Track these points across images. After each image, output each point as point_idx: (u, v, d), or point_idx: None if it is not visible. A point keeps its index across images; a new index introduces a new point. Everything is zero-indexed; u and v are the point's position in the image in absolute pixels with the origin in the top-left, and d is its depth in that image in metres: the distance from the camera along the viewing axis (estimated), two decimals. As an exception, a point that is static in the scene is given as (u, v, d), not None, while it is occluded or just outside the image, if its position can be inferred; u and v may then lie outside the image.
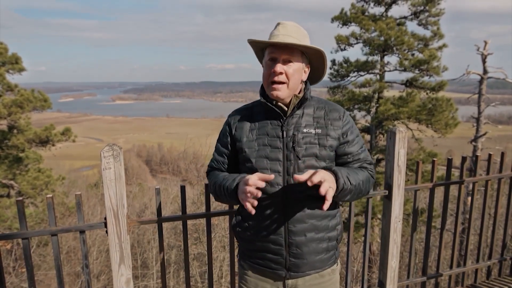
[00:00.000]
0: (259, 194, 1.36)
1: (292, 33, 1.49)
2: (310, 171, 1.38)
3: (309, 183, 1.33)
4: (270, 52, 1.51)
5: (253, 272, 1.68)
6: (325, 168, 1.47)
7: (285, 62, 1.49)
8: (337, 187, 1.41)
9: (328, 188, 1.33)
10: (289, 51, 1.49)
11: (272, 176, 1.39)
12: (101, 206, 13.47)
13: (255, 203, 1.38)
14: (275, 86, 1.50)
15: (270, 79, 1.51)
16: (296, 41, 1.47)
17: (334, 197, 1.40)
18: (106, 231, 1.99)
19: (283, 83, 1.49)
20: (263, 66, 1.59)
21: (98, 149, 1.90)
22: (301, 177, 1.34)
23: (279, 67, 1.47)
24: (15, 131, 11.63)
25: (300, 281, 1.62)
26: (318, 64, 1.61)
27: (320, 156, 1.54)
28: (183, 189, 2.21)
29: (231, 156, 1.66)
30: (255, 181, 1.37)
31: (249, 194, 1.37)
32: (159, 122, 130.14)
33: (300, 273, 1.60)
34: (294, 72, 1.51)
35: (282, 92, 1.50)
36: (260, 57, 1.64)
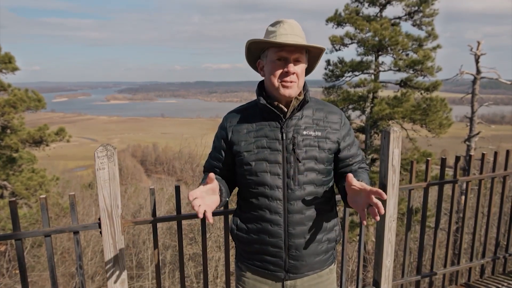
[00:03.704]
0: (196, 208, 1.26)
1: (298, 32, 1.49)
2: (362, 183, 1.36)
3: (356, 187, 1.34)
4: (278, 51, 1.47)
5: (251, 273, 1.67)
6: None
7: (295, 61, 1.48)
8: None
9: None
10: (299, 51, 1.48)
11: (212, 176, 1.31)
12: (95, 206, 13.39)
13: (201, 215, 1.26)
14: (287, 84, 1.48)
15: (281, 78, 1.48)
16: (303, 41, 1.47)
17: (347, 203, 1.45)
18: (100, 232, 1.98)
19: (294, 82, 1.48)
20: (262, 65, 1.56)
21: (93, 149, 1.89)
22: (357, 183, 1.34)
23: (292, 67, 1.46)
24: (8, 131, 11.54)
25: (299, 281, 1.61)
26: (312, 62, 1.62)
27: (319, 158, 1.53)
28: (177, 189, 2.20)
29: (226, 160, 1.64)
30: (192, 197, 1.28)
31: (198, 208, 1.27)
32: (154, 122, 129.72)
33: (299, 275, 1.59)
34: (302, 71, 1.51)
35: (294, 90, 1.49)
36: (253, 56, 1.60)
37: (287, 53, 1.46)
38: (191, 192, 1.29)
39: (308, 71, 1.65)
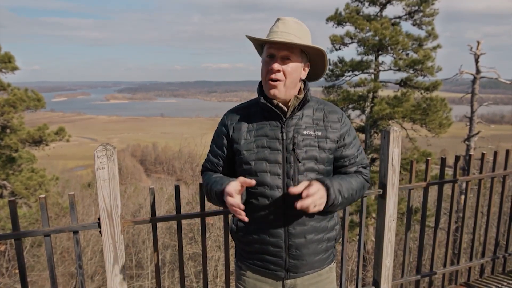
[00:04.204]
0: (241, 206, 1.36)
1: (292, 30, 1.45)
2: (305, 183, 1.40)
3: (304, 194, 1.36)
4: (268, 48, 1.46)
5: (251, 272, 1.67)
6: (318, 180, 1.45)
7: (284, 59, 1.45)
8: (327, 201, 1.42)
9: (310, 203, 1.35)
10: (288, 48, 1.45)
11: (253, 182, 1.39)
12: (95, 206, 13.38)
13: (242, 214, 1.37)
14: (272, 83, 1.46)
15: (267, 76, 1.47)
16: (295, 39, 1.44)
17: (324, 208, 1.42)
18: (100, 232, 1.98)
19: (280, 80, 1.46)
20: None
21: (92, 148, 1.89)
22: (295, 189, 1.37)
23: (276, 65, 1.44)
24: (8, 130, 11.54)
25: (299, 280, 1.61)
26: (318, 62, 1.58)
27: (319, 159, 1.52)
28: (177, 188, 2.20)
29: (227, 158, 1.63)
30: (232, 191, 1.37)
31: (234, 208, 1.36)
32: (154, 121, 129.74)
33: (299, 274, 1.59)
34: (292, 70, 1.46)
35: (279, 91, 1.47)
36: (260, 52, 1.60)
37: (274, 50, 1.45)
38: (231, 189, 1.37)
39: (315, 75, 1.63)
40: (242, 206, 1.36)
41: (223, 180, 1.51)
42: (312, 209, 1.35)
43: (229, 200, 1.36)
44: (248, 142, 1.53)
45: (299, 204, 1.33)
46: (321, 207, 1.39)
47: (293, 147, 1.50)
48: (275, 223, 1.53)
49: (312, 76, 1.64)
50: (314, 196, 1.35)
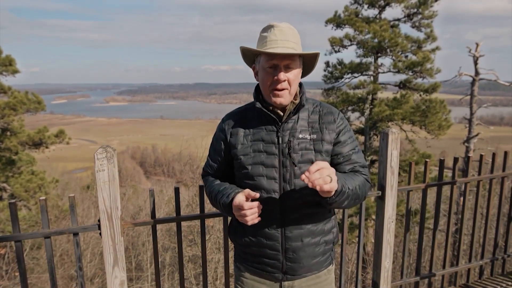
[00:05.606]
0: (258, 218, 1.45)
1: (290, 36, 1.46)
2: (317, 164, 1.31)
3: (313, 169, 1.29)
4: (269, 58, 1.46)
5: (249, 274, 1.68)
6: None
7: (286, 68, 1.46)
8: (336, 189, 1.36)
9: (318, 177, 1.28)
10: (290, 57, 1.46)
11: (257, 195, 1.43)
12: (95, 208, 13.38)
13: (258, 220, 1.45)
14: (278, 93, 1.47)
15: (272, 86, 1.47)
16: (295, 46, 1.46)
17: (331, 202, 1.39)
18: (100, 233, 1.99)
19: (285, 89, 1.47)
20: (257, 70, 1.55)
21: (92, 151, 1.89)
22: (305, 175, 1.29)
23: (282, 75, 1.44)
24: (8, 133, 11.55)
25: (297, 282, 1.62)
26: (309, 62, 1.59)
27: (315, 161, 1.52)
28: (177, 190, 2.21)
29: (226, 162, 1.65)
30: (243, 204, 1.43)
31: (250, 218, 1.43)
32: (153, 123, 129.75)
33: (297, 276, 1.60)
34: (295, 77, 1.49)
35: (285, 99, 1.49)
36: (249, 60, 1.60)
37: (277, 60, 1.45)
38: (245, 204, 1.43)
39: (306, 72, 1.63)
40: (256, 214, 1.44)
41: (227, 191, 1.53)
42: (321, 184, 1.27)
43: (244, 212, 1.42)
44: (245, 146, 1.55)
45: (305, 177, 1.27)
46: (330, 186, 1.29)
47: (289, 151, 1.51)
48: (272, 227, 1.54)
49: (302, 75, 1.63)
50: (322, 170, 1.29)
